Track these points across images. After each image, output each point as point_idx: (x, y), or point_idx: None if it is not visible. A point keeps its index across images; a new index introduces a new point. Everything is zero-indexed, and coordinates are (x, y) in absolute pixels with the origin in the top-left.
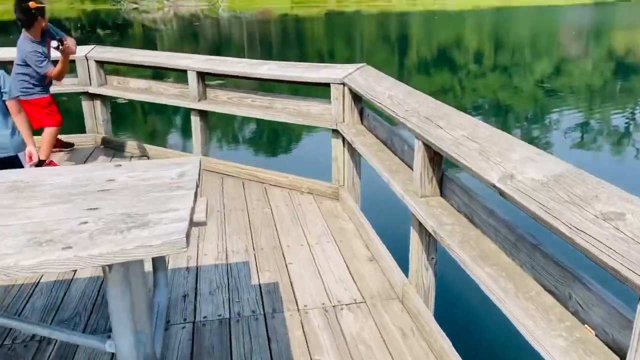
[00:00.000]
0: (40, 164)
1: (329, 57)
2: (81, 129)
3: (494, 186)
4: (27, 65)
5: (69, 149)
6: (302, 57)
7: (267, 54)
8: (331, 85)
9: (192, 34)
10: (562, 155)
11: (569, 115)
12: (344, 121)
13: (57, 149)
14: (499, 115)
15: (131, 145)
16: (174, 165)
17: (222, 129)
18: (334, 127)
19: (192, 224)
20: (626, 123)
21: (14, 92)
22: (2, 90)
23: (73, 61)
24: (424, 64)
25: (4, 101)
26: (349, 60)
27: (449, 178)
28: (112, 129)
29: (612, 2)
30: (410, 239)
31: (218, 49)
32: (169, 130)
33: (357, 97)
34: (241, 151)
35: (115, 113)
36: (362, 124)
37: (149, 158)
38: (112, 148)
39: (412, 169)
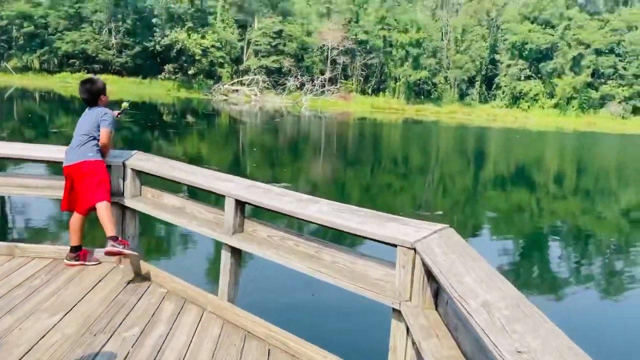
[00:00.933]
0: (115, 239)
1: (403, 162)
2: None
3: None
4: (96, 130)
5: (84, 263)
6: (376, 160)
7: (342, 153)
8: (398, 247)
9: (272, 129)
10: None
11: None
12: (410, 300)
13: (72, 262)
14: (579, 241)
15: (152, 273)
16: None
17: (258, 268)
18: (396, 307)
19: None
20: None
21: None
22: None
23: (109, 166)
24: (501, 180)
25: None
26: (423, 168)
27: None
28: (138, 244)
29: None
30: None
31: (296, 143)
32: (200, 257)
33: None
34: (275, 301)
35: (146, 224)
36: (436, 309)
37: (167, 292)
38: (132, 270)
39: None
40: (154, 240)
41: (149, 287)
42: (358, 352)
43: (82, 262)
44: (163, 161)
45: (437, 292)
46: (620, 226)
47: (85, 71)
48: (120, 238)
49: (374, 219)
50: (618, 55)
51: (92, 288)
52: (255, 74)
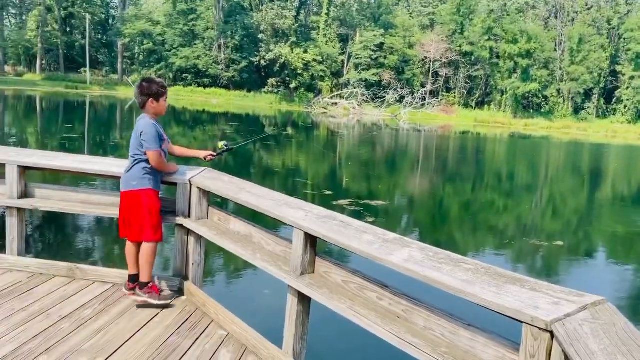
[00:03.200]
0: (143, 286)
1: (508, 179)
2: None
3: None
4: (140, 150)
5: (147, 300)
6: (479, 176)
7: (441, 168)
8: (524, 326)
9: (370, 141)
10: None
11: None
12: None
13: (129, 292)
14: None
15: (213, 310)
16: None
17: (331, 318)
18: None
19: None
20: None
21: None
22: None
23: (175, 184)
24: (620, 201)
25: None
26: (531, 186)
27: None
28: (203, 273)
29: None
30: None
31: (393, 157)
32: (270, 290)
33: None
34: None
35: (211, 247)
36: None
37: (227, 335)
38: (193, 303)
39: None
40: (218, 268)
41: (207, 326)
42: None
43: (144, 300)
44: (231, 181)
45: None
46: None
47: (196, 85)
48: (152, 283)
49: (485, 277)
50: None
51: (145, 324)
52: (354, 87)
